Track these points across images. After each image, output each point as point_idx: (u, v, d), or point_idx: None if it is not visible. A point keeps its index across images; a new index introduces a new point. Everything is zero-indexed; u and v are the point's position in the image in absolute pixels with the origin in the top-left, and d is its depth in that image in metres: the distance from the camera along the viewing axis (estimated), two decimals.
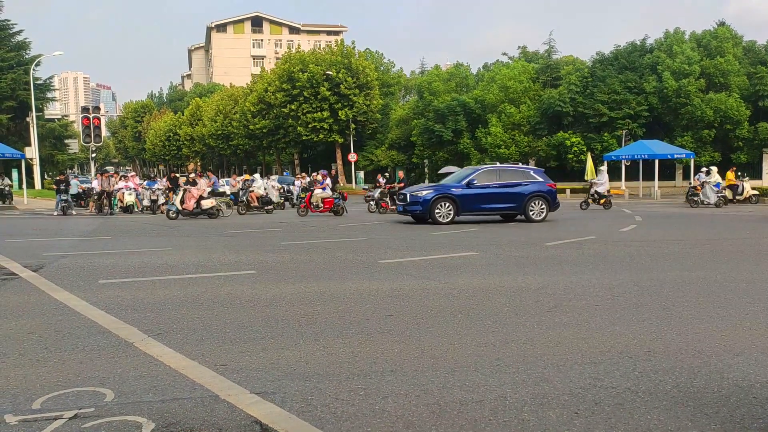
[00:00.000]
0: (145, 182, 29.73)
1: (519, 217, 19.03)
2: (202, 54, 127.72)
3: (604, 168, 26.22)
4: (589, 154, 42.35)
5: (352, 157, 53.39)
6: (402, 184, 25.01)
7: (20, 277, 8.86)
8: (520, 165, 25.39)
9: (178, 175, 31.49)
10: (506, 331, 5.70)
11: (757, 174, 43.67)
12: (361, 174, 57.58)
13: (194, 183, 26.24)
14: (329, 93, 53.78)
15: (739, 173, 31.15)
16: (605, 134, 46.06)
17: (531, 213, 18.74)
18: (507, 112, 49.99)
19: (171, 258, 11.05)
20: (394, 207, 23.49)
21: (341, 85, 53.67)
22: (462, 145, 52.12)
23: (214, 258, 11.00)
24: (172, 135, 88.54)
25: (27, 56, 53.90)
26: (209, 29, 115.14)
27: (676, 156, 38.93)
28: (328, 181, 25.53)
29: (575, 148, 45.73)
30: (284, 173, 41.16)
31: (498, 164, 24.47)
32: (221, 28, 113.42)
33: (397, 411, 3.82)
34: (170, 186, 26.05)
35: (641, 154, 37.59)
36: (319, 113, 54.15)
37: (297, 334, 5.63)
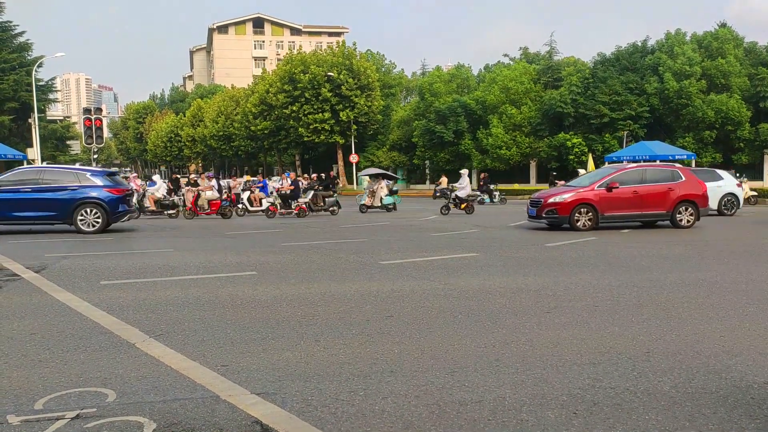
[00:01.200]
0: (147, 183, 29.77)
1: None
2: (203, 55, 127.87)
3: (465, 172, 25.77)
4: (590, 155, 42.38)
5: (354, 158, 53.46)
6: (292, 187, 24.09)
7: (22, 278, 8.90)
8: (78, 166, 23.77)
9: (179, 176, 31.57)
10: (506, 332, 5.72)
11: (758, 175, 43.66)
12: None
13: (195, 184, 26.30)
14: (330, 94, 53.84)
15: (738, 174, 31.13)
16: (606, 135, 46.06)
17: (81, 223, 16.05)
18: (508, 113, 50.01)
19: (172, 259, 11.08)
20: (284, 211, 23.10)
21: (342, 87, 53.73)
22: (463, 146, 52.15)
23: (215, 259, 11.03)
24: (173, 136, 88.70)
25: (29, 58, 54.00)
26: (211, 30, 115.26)
27: (677, 157, 38.85)
28: (214, 182, 25.32)
29: (576, 149, 45.74)
30: (286, 173, 41.13)
31: (46, 164, 22.51)
32: (223, 29, 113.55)
33: (396, 411, 3.84)
34: (171, 187, 26.10)
35: (642, 155, 37.58)
36: (320, 114, 54.21)
37: (297, 335, 5.66)
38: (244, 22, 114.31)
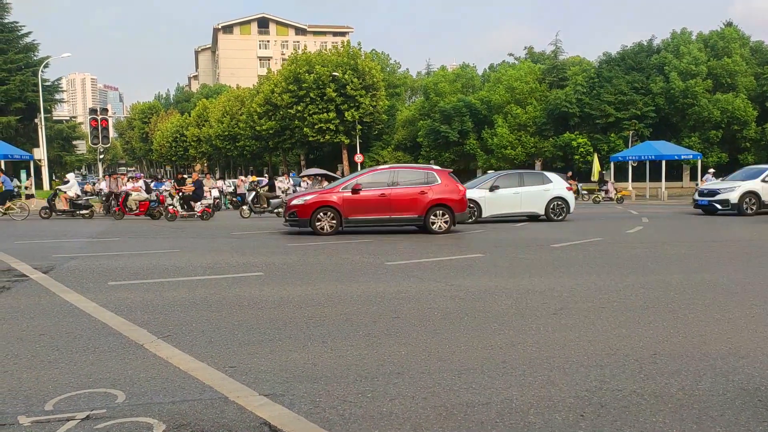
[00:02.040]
0: (153, 183, 29.88)
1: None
2: (208, 55, 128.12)
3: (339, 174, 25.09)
4: (595, 155, 42.32)
5: (359, 158, 53.49)
6: (193, 188, 22.95)
7: (31, 278, 8.94)
8: None
9: (185, 176, 31.59)
10: (512, 334, 5.73)
11: None
12: None
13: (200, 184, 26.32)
14: (335, 94, 53.88)
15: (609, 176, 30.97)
16: (612, 135, 46.01)
17: None
18: (513, 112, 49.99)
19: (179, 260, 11.12)
20: (185, 213, 22.17)
21: (347, 86, 53.77)
22: (468, 146, 52.16)
23: (222, 260, 11.07)
24: (179, 136, 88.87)
25: (35, 58, 54.23)
26: (216, 30, 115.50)
27: (683, 157, 38.88)
28: (141, 183, 24.83)
29: (582, 149, 45.70)
30: (291, 174, 41.19)
31: None
32: (228, 29, 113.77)
33: (404, 413, 3.86)
34: (176, 187, 26.14)
35: (648, 155, 37.54)
36: (325, 114, 54.25)
37: (305, 336, 5.68)
38: (248, 22, 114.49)
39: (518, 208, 19.68)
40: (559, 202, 19.96)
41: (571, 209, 20.27)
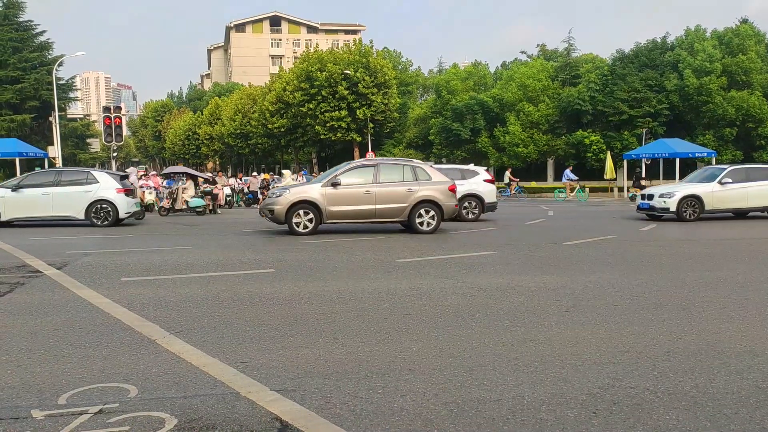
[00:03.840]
0: (165, 181, 30.00)
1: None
2: (221, 53, 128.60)
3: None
4: (608, 153, 42.05)
5: (370, 155, 53.50)
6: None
7: (45, 274, 9.02)
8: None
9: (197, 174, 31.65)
10: (524, 331, 5.71)
11: None
12: None
13: (213, 182, 26.41)
14: (347, 92, 53.88)
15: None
16: (625, 133, 45.70)
17: None
18: (525, 110, 49.79)
19: (191, 256, 11.17)
20: None
21: (359, 84, 53.75)
22: (480, 144, 52.02)
23: (234, 256, 11.11)
24: (191, 134, 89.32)
25: (49, 56, 54.68)
26: (228, 29, 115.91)
27: (697, 155, 38.48)
28: None
29: (594, 147, 45.45)
30: (303, 171, 41.23)
31: None
32: (240, 27, 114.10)
33: (415, 409, 3.85)
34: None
35: (662, 153, 37.22)
36: (337, 112, 54.28)
37: (316, 333, 5.68)
38: (261, 20, 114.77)
39: (50, 211, 17.51)
40: (104, 206, 17.73)
41: (121, 214, 17.87)
